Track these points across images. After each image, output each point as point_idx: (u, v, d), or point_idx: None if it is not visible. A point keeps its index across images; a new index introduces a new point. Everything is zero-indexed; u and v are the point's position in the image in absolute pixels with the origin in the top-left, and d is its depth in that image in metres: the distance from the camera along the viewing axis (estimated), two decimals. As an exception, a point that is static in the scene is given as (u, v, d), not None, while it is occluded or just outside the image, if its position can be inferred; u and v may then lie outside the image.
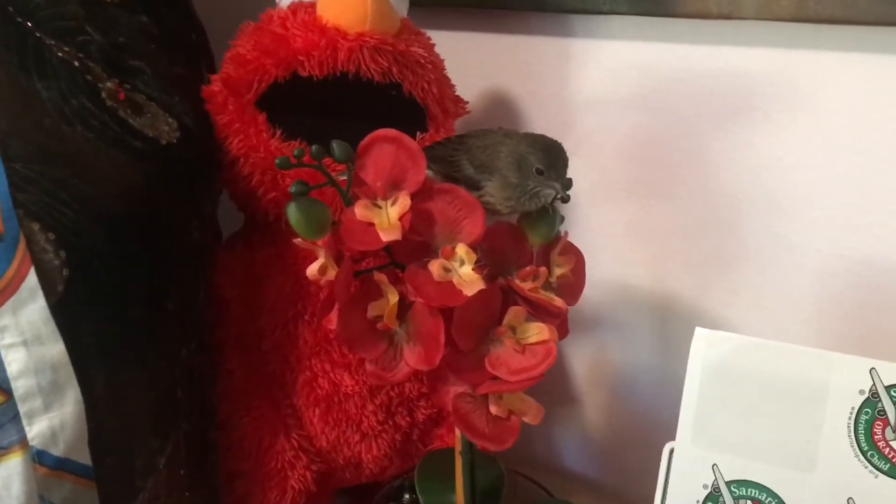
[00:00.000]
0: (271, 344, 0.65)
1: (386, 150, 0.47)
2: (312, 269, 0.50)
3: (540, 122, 0.78)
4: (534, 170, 0.49)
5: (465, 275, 0.48)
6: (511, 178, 0.51)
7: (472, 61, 0.78)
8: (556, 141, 0.51)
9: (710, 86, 0.68)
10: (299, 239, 0.48)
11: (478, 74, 0.79)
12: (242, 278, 0.65)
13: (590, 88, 0.74)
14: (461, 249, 0.48)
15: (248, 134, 0.60)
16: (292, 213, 0.47)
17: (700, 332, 0.54)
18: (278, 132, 0.61)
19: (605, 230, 0.77)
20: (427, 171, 0.49)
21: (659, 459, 0.54)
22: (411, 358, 0.49)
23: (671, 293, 0.75)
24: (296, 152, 0.48)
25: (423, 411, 0.70)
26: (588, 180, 0.77)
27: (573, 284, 0.56)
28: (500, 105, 0.79)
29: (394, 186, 0.47)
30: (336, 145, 0.47)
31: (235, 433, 0.64)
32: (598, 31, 0.72)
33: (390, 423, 0.68)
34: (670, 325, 0.76)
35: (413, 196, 0.46)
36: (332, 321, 0.51)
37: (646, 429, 0.79)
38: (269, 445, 0.64)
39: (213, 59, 0.67)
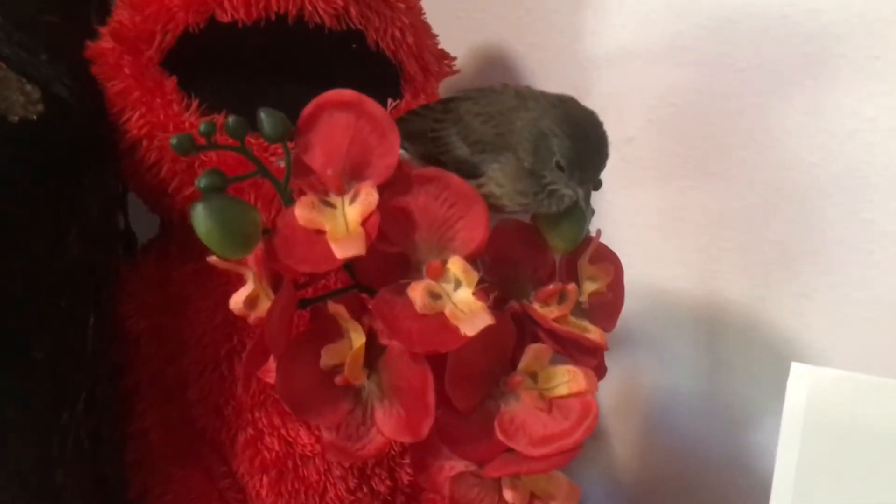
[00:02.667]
0: (199, 392, 0.56)
1: (339, 121, 0.38)
2: (237, 301, 0.39)
3: (546, 85, 0.68)
4: (553, 161, 0.40)
5: (464, 303, 0.38)
6: (525, 162, 0.41)
7: (456, 9, 0.71)
8: (598, 122, 0.41)
9: (775, 28, 0.60)
10: (214, 257, 0.38)
11: (464, 26, 0.71)
12: (156, 305, 0.56)
13: (611, 39, 0.67)
14: (456, 265, 0.39)
15: (152, 106, 0.52)
16: (200, 218, 0.37)
17: (799, 370, 0.45)
18: (194, 102, 0.52)
19: (635, 221, 0.69)
20: (401, 152, 0.40)
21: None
22: (387, 424, 0.40)
23: (721, 299, 0.67)
24: (202, 127, 0.37)
25: (409, 472, 0.59)
26: (612, 158, 0.66)
27: (610, 304, 0.47)
28: (495, 65, 0.71)
29: (353, 175, 0.38)
30: (265, 116, 0.38)
31: (155, 514, 0.56)
32: (620, -37, 0.65)
33: (365, 489, 0.58)
34: (720, 340, 0.67)
35: (382, 188, 0.38)
36: (270, 373, 0.40)
37: (689, 470, 0.71)
38: (203, 528, 0.56)
39: (109, 3, 0.57)
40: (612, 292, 0.46)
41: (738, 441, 0.66)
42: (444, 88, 0.60)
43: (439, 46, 0.58)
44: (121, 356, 0.55)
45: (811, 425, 0.43)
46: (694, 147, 0.65)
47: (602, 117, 0.69)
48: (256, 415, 0.56)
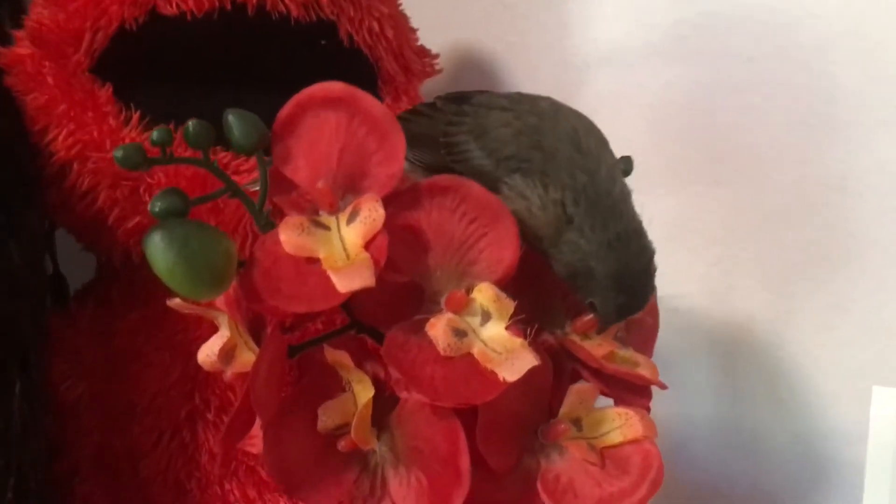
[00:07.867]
0: (155, 466, 0.51)
1: (328, 122, 0.34)
2: (209, 353, 0.34)
3: (531, 88, 0.66)
4: (588, 301, 0.37)
5: (496, 341, 0.34)
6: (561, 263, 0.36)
7: (426, 6, 0.66)
8: (650, 271, 0.39)
9: (785, 10, 0.59)
10: (177, 300, 0.33)
11: (439, 25, 0.66)
12: (97, 363, 0.52)
13: (601, 33, 0.65)
14: (484, 293, 0.34)
15: (82, 121, 0.47)
16: (159, 251, 0.31)
17: (883, 394, 0.41)
18: (135, 115, 0.48)
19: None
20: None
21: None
22: (406, 497, 0.34)
23: (740, 316, 0.64)
24: (155, 135, 0.32)
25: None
26: (609, 164, 0.64)
27: (649, 329, 0.44)
28: (472, 67, 0.69)
29: (348, 188, 0.34)
30: (235, 119, 0.34)
31: None
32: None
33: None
34: (741, 362, 0.65)
35: (385, 203, 0.33)
36: (255, 443, 0.35)
37: (714, 506, 0.70)
38: None
39: (24, 1, 0.54)
40: (651, 316, 0.43)
41: (765, 476, 0.63)
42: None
43: (419, 42, 0.55)
44: (56, 430, 0.50)
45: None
46: (701, 149, 0.64)
47: (595, 120, 0.67)
48: (227, 487, 0.52)
